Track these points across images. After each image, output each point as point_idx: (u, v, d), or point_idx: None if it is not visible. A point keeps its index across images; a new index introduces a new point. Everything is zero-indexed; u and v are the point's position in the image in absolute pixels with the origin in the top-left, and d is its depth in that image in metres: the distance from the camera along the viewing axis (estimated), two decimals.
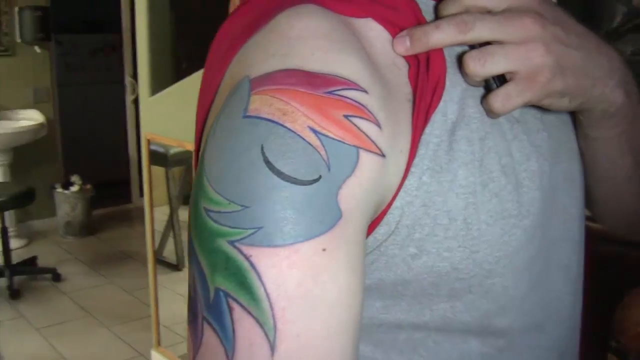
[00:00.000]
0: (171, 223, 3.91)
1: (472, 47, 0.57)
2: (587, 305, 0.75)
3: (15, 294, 4.52)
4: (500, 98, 0.55)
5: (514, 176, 0.58)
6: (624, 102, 0.63)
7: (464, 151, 0.55)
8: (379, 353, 0.61)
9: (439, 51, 0.56)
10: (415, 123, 0.54)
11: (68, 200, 5.65)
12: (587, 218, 0.74)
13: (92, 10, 6.98)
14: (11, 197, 4.52)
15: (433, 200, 0.54)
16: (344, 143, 0.48)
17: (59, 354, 3.79)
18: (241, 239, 0.46)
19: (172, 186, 3.70)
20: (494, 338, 0.62)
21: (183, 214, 3.86)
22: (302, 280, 0.46)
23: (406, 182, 0.54)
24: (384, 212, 0.54)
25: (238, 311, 0.46)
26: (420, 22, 0.56)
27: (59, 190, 5.67)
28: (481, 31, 0.55)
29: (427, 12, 0.59)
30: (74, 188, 5.64)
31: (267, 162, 0.47)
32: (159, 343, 3.30)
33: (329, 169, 0.47)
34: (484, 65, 0.55)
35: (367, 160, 0.49)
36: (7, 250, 4.65)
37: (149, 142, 3.10)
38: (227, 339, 0.46)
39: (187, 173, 3.67)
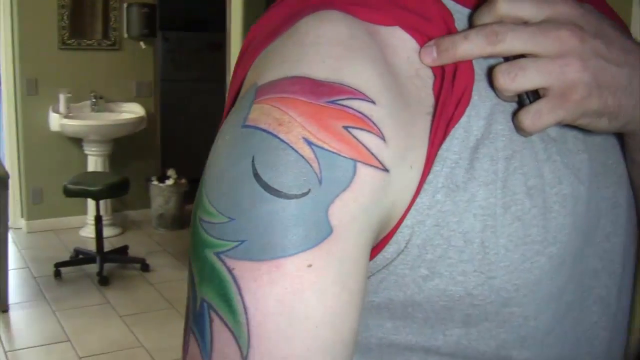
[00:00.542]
0: None
1: (507, 59, 0.53)
2: None
3: (104, 280, 4.64)
4: (530, 115, 0.52)
5: (541, 199, 0.54)
6: None
7: (486, 170, 0.52)
8: None
9: (468, 63, 0.53)
10: (433, 138, 0.51)
11: (162, 193, 5.77)
12: None
13: (198, 9, 7.13)
14: (107, 186, 4.64)
15: (447, 220, 0.51)
16: (339, 155, 0.46)
17: (139, 342, 3.85)
18: (226, 250, 0.46)
19: None
20: None
21: None
22: (282, 297, 0.45)
23: (418, 199, 0.51)
24: (393, 230, 0.51)
25: (217, 323, 0.46)
26: (451, 32, 0.53)
27: (155, 182, 5.80)
28: (512, 43, 0.51)
29: (462, 20, 0.56)
30: (169, 182, 5.76)
31: (255, 174, 0.46)
32: None
33: (320, 183, 0.46)
34: (514, 80, 0.51)
35: (366, 174, 0.47)
36: (100, 238, 4.79)
37: None
38: (206, 350, 0.46)
39: None
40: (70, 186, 4.59)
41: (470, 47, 0.51)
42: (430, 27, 0.54)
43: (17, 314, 4.19)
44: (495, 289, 0.53)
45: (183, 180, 5.84)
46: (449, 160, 0.51)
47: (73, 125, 5.30)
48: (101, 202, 4.88)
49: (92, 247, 4.92)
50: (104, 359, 3.68)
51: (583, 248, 0.58)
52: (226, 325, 0.45)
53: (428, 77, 0.53)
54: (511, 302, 0.54)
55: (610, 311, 0.63)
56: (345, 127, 0.47)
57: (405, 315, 0.55)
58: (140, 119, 5.62)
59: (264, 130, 0.47)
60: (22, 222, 5.71)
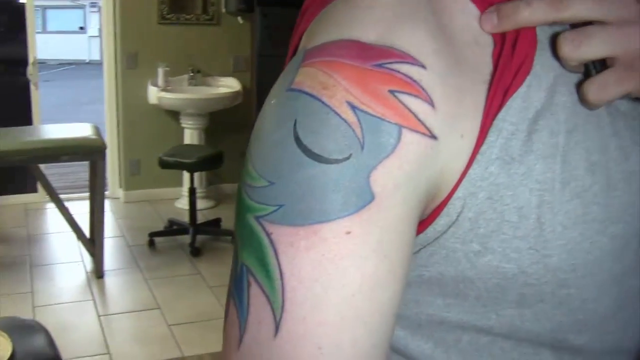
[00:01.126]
0: None
1: (573, 27, 0.50)
2: None
3: (195, 251, 4.70)
4: (595, 87, 0.49)
5: (604, 176, 0.51)
6: None
7: (545, 143, 0.50)
8: (439, 352, 0.57)
9: (530, 30, 0.50)
10: (488, 107, 0.49)
11: None
12: None
13: None
14: (201, 159, 4.68)
15: (500, 193, 0.49)
16: (384, 120, 0.45)
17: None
18: (265, 215, 0.45)
19: None
20: (569, 355, 0.56)
21: None
22: (318, 263, 0.44)
23: (470, 170, 0.49)
24: (444, 202, 0.50)
25: (254, 287, 0.45)
26: None
27: None
28: (578, 9, 0.48)
29: None
30: None
31: (297, 138, 0.45)
32: None
33: (362, 148, 0.45)
34: (578, 48, 0.49)
35: (411, 141, 0.46)
36: (193, 210, 4.85)
37: None
38: (242, 314, 0.46)
39: None
40: (165, 158, 4.65)
41: (532, 13, 0.49)
42: None
43: (112, 280, 4.29)
44: (551, 268, 0.50)
45: None
46: (505, 131, 0.49)
47: (170, 98, 5.38)
48: (196, 175, 4.94)
49: (186, 218, 5.00)
50: (192, 327, 3.73)
51: None
52: (262, 289, 0.45)
53: (487, 45, 0.50)
54: (568, 282, 0.51)
55: None
56: (392, 91, 0.46)
57: (456, 293, 0.53)
58: (237, 93, 5.64)
59: (308, 94, 0.46)
60: (120, 192, 5.87)
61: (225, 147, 5.29)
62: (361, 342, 0.45)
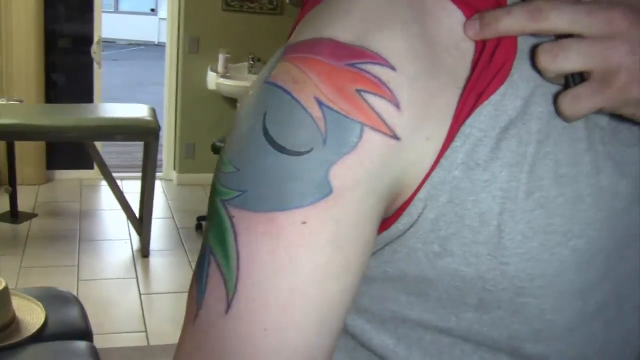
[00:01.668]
0: None
1: (559, 38, 0.51)
2: None
3: None
4: (568, 99, 0.50)
5: (571, 189, 0.51)
6: None
7: (513, 151, 0.50)
8: (401, 348, 0.58)
9: (512, 39, 0.51)
10: (458, 112, 0.50)
11: None
12: None
13: None
14: None
15: (462, 198, 0.50)
16: (347, 117, 0.46)
17: None
18: (229, 199, 0.47)
19: None
20: None
21: None
22: (272, 249, 0.46)
23: (433, 173, 0.50)
24: (407, 202, 0.51)
25: (213, 266, 0.47)
26: (501, 6, 0.51)
27: None
28: (555, 21, 0.49)
29: None
30: None
31: (264, 129, 0.47)
32: None
33: (324, 143, 0.46)
34: (554, 60, 0.49)
35: (373, 139, 0.47)
36: None
37: None
38: (200, 290, 0.48)
39: None
40: (219, 144, 4.69)
41: (511, 22, 0.49)
42: (480, 1, 0.52)
43: (156, 260, 4.36)
44: (508, 275, 0.51)
45: None
46: (472, 137, 0.50)
47: (229, 85, 5.41)
48: None
49: None
50: None
51: (623, 248, 0.55)
52: (219, 268, 0.47)
53: (468, 51, 0.51)
54: (526, 291, 0.52)
55: None
56: (358, 90, 0.47)
57: (418, 292, 0.55)
58: None
59: (280, 87, 0.48)
60: (174, 175, 5.96)
61: None
62: (307, 329, 0.47)
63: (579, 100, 0.49)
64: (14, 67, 5.30)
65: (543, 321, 0.54)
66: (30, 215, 4.92)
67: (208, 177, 5.67)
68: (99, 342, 2.37)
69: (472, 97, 0.50)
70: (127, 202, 4.36)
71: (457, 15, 0.51)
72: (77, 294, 3.70)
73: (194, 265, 3.25)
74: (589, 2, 0.49)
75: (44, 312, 2.18)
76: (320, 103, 0.46)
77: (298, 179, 0.46)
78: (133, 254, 4.39)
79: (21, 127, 3.96)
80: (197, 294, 0.48)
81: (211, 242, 0.48)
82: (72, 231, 4.70)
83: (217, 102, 5.74)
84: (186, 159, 5.89)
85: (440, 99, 0.50)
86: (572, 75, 0.50)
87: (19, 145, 5.17)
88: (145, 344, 3.39)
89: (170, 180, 5.96)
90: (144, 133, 4.17)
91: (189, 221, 4.96)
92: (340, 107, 0.46)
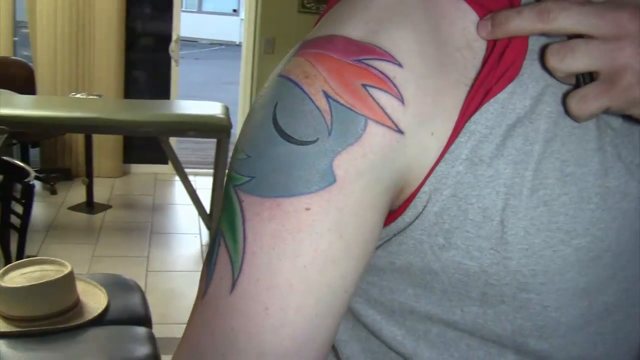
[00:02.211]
0: None
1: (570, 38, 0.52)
2: None
3: None
4: (575, 99, 0.50)
5: (577, 188, 0.52)
6: None
7: (518, 149, 0.51)
8: (409, 340, 0.60)
9: (522, 39, 0.52)
10: (464, 109, 0.51)
11: None
12: None
13: None
14: None
15: (465, 192, 0.51)
16: (352, 110, 0.48)
17: None
18: (240, 184, 0.50)
19: None
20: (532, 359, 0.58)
21: None
22: (277, 233, 0.48)
23: (437, 167, 0.51)
24: (413, 195, 0.53)
25: (222, 248, 0.50)
26: (513, 6, 0.53)
27: None
28: (564, 22, 0.50)
29: None
30: None
31: (274, 119, 0.49)
32: None
33: (329, 134, 0.48)
34: (562, 60, 0.50)
35: (376, 132, 0.49)
36: None
37: None
38: (210, 269, 0.51)
39: None
40: None
41: (521, 22, 0.50)
42: (494, 1, 0.53)
43: None
44: (510, 270, 0.52)
45: None
46: (477, 134, 0.51)
47: None
48: None
49: None
50: None
51: (634, 250, 0.55)
52: (228, 250, 0.49)
53: (480, 50, 0.52)
54: (528, 287, 0.53)
55: None
56: (364, 85, 0.49)
57: (424, 284, 0.56)
58: None
59: (291, 80, 0.50)
60: None
61: None
62: (306, 310, 0.49)
63: (586, 100, 0.50)
64: (95, 63, 5.49)
65: (546, 318, 0.54)
66: (105, 207, 5.09)
67: None
68: (159, 330, 2.43)
69: (479, 94, 0.51)
70: (198, 198, 4.45)
71: (471, 16, 0.53)
72: (145, 284, 3.81)
73: None
74: (599, 3, 0.50)
75: (107, 298, 2.25)
76: (327, 96, 0.49)
77: (303, 168, 0.48)
78: (202, 248, 4.48)
79: (98, 120, 4.10)
80: (206, 274, 0.51)
81: (222, 225, 0.51)
82: (144, 223, 4.84)
83: None
84: None
85: (447, 97, 0.51)
86: (583, 75, 0.51)
87: (98, 139, 5.36)
88: None
89: None
90: (217, 130, 4.25)
91: None
92: (346, 101, 0.48)
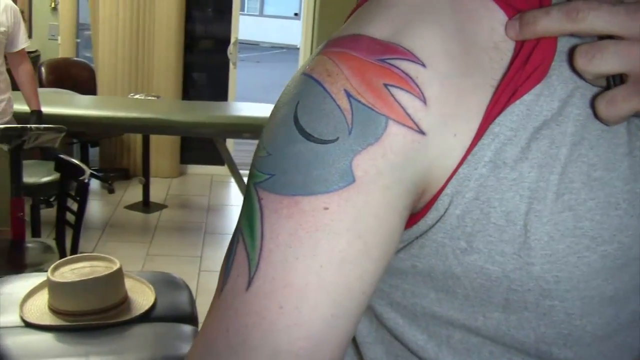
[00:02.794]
0: None
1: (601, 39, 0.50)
2: None
3: None
4: (604, 102, 0.49)
5: (604, 193, 0.50)
6: None
7: (543, 152, 0.50)
8: (431, 345, 0.59)
9: (550, 40, 0.51)
10: (489, 110, 0.50)
11: None
12: None
13: None
14: None
15: (488, 195, 0.50)
16: (372, 110, 0.48)
17: None
18: (260, 182, 0.49)
19: None
20: None
21: None
22: (295, 232, 0.47)
23: (460, 169, 0.50)
24: (435, 197, 0.52)
25: (240, 245, 0.49)
26: (543, 6, 0.51)
27: None
28: (593, 22, 0.48)
29: None
30: None
31: (295, 117, 0.49)
32: None
33: (349, 133, 0.48)
34: (590, 61, 0.49)
35: (397, 132, 0.48)
36: None
37: None
38: (228, 266, 0.50)
39: None
40: None
41: (549, 23, 0.49)
42: (523, 1, 0.52)
43: None
44: (533, 276, 0.51)
45: None
46: (501, 136, 0.50)
47: None
48: None
49: None
50: None
51: None
52: (245, 247, 0.49)
53: (508, 51, 0.51)
54: (552, 294, 0.51)
55: None
56: (386, 85, 0.48)
57: (446, 288, 0.55)
58: None
59: (314, 79, 0.50)
60: None
61: None
62: (321, 310, 0.48)
63: (615, 102, 0.48)
64: (154, 65, 5.59)
65: (571, 326, 0.53)
66: (160, 206, 5.17)
67: None
68: None
69: (505, 96, 0.50)
70: None
71: (499, 16, 0.52)
72: (197, 283, 3.85)
73: None
74: (630, 3, 0.48)
75: (154, 295, 2.27)
76: (349, 95, 0.48)
77: (322, 167, 0.48)
78: None
79: (155, 121, 4.16)
80: (224, 270, 0.51)
81: (242, 222, 0.50)
82: (198, 224, 4.89)
83: None
84: None
85: (472, 98, 0.50)
86: (613, 77, 0.49)
87: (155, 140, 5.44)
88: None
89: None
90: None
91: None
92: (367, 100, 0.48)
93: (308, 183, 0.48)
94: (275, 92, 12.03)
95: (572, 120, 0.50)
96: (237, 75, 6.07)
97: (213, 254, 4.36)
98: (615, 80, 0.49)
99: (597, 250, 0.51)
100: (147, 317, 2.18)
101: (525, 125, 0.50)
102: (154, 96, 5.01)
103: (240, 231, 0.50)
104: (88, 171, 3.00)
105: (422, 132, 0.49)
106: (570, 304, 0.52)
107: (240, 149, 6.29)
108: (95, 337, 2.04)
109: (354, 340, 0.65)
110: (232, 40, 5.85)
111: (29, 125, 3.11)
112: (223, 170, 5.87)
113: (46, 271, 2.16)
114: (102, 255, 2.29)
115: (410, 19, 0.51)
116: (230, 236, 0.52)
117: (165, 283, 2.44)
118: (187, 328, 2.20)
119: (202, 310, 2.43)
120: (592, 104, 0.50)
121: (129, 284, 2.27)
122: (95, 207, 5.09)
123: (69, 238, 3.03)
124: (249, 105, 4.87)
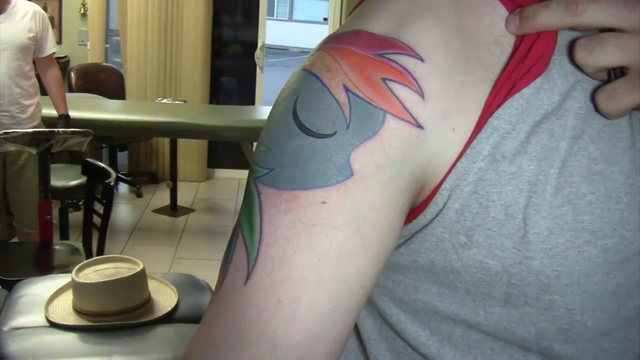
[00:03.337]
0: None
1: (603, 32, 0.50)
2: None
3: None
4: (605, 94, 0.49)
5: (604, 187, 0.50)
6: None
7: (543, 146, 0.50)
8: (433, 341, 0.58)
9: (550, 34, 0.51)
10: (488, 104, 0.50)
11: None
12: None
13: None
14: None
15: (486, 189, 0.50)
16: (370, 104, 0.48)
17: None
18: (259, 176, 0.50)
19: None
20: None
21: None
22: (293, 225, 0.48)
23: (458, 164, 0.50)
24: (434, 192, 0.51)
25: (240, 239, 0.50)
26: (543, 0, 0.51)
27: None
28: (593, 15, 0.48)
29: None
30: None
31: (294, 112, 0.49)
32: None
33: (347, 127, 0.48)
34: (590, 55, 0.48)
35: (394, 127, 0.48)
36: None
37: None
38: (228, 261, 0.51)
39: None
40: None
41: (549, 16, 0.49)
42: None
43: None
44: (533, 271, 0.51)
45: None
46: (500, 129, 0.50)
47: None
48: None
49: None
50: None
51: None
52: (245, 242, 0.49)
53: (508, 45, 0.51)
54: (552, 289, 0.51)
55: None
56: (384, 79, 0.48)
57: (447, 283, 0.55)
58: None
59: (313, 74, 0.50)
60: None
61: None
62: (319, 304, 0.48)
63: (616, 95, 0.48)
64: (182, 70, 5.64)
65: (571, 322, 0.52)
66: (188, 210, 5.21)
67: None
68: None
69: (504, 89, 0.50)
70: None
71: (500, 11, 0.52)
72: None
73: None
74: None
75: (177, 296, 2.29)
76: (347, 90, 0.48)
77: (320, 161, 0.48)
78: None
79: (183, 125, 4.20)
80: (224, 265, 0.51)
81: (242, 216, 0.51)
82: (225, 227, 4.92)
83: None
84: None
85: (471, 92, 0.50)
86: (614, 70, 0.49)
87: (183, 144, 5.48)
88: None
89: None
90: None
91: None
92: (365, 94, 0.48)
93: (306, 177, 0.48)
94: None
95: (572, 114, 0.50)
96: (266, 80, 6.09)
97: None
98: (615, 73, 0.49)
99: (597, 244, 0.50)
100: (169, 318, 2.19)
101: (525, 119, 0.50)
102: (181, 100, 5.05)
103: (240, 226, 0.50)
104: (114, 174, 3.03)
105: (420, 126, 0.49)
106: (570, 299, 0.51)
107: None
108: (118, 337, 2.06)
109: (359, 337, 0.65)
110: (259, 44, 5.87)
111: (56, 129, 3.16)
112: None
113: (71, 272, 2.19)
114: (126, 256, 2.31)
115: (410, 14, 0.51)
116: None
117: (188, 285, 2.45)
118: None
119: None
120: (593, 98, 0.50)
121: (152, 285, 2.29)
122: (124, 211, 5.14)
123: (96, 240, 3.06)
124: None
